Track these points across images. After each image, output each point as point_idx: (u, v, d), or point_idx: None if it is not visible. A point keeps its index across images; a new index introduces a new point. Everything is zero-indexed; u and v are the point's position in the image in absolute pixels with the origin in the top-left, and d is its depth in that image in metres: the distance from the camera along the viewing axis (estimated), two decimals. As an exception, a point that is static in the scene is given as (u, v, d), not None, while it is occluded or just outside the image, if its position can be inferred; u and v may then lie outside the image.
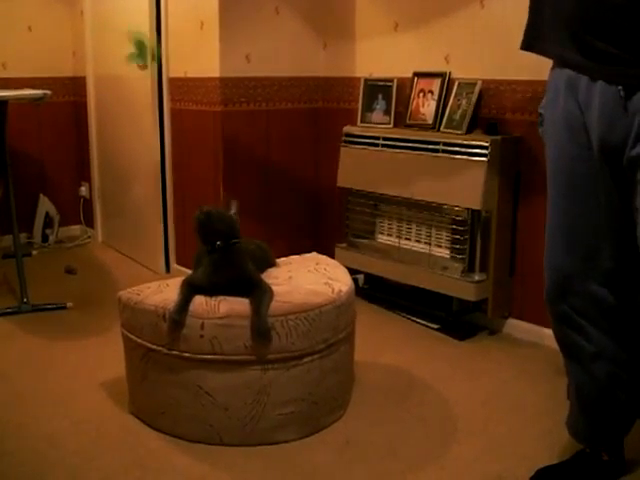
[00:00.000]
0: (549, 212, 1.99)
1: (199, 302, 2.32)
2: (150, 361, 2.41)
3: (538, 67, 1.95)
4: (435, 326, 3.44)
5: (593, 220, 1.90)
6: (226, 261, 2.37)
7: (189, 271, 2.66)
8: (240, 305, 2.30)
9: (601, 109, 1.74)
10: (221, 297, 2.34)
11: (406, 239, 3.57)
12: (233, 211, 2.43)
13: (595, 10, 1.66)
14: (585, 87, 1.77)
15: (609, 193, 1.85)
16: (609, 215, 1.87)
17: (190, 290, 2.37)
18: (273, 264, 2.70)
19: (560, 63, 1.85)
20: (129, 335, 2.48)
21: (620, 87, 1.68)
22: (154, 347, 2.37)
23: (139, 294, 2.46)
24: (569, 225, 1.94)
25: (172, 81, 4.09)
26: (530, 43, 1.90)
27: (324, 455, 2.33)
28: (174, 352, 2.33)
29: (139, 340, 2.42)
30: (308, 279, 2.56)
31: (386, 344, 3.28)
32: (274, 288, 2.39)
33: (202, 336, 2.28)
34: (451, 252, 3.34)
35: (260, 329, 2.26)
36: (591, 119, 1.78)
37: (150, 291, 2.48)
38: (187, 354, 2.31)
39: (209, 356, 2.29)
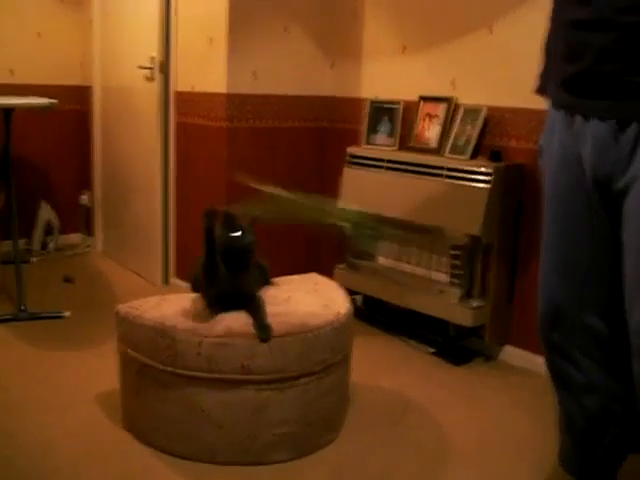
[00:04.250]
0: (544, 241, 2.01)
1: (198, 319, 2.32)
2: (145, 376, 2.41)
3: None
4: (431, 350, 3.44)
5: (587, 251, 1.91)
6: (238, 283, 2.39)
7: (188, 285, 2.65)
8: (238, 324, 2.30)
9: (593, 142, 1.77)
10: (220, 315, 2.34)
11: (406, 262, 3.57)
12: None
13: (581, 50, 1.72)
14: (579, 122, 1.81)
15: (602, 225, 1.87)
16: (603, 246, 1.89)
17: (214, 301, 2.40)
18: (269, 282, 2.70)
19: (556, 104, 1.90)
20: (125, 349, 2.47)
21: (614, 120, 1.71)
22: (150, 362, 2.36)
23: (137, 309, 2.46)
24: (563, 255, 1.96)
25: (179, 95, 4.11)
26: (539, 87, 1.96)
27: (317, 476, 2.33)
28: (170, 368, 2.32)
29: (135, 355, 2.41)
30: (307, 300, 2.56)
31: (382, 366, 3.28)
32: (272, 308, 2.40)
33: (199, 354, 2.27)
34: (450, 277, 3.34)
35: (262, 327, 2.29)
36: (585, 152, 1.81)
37: (149, 306, 2.48)
38: (183, 371, 2.30)
39: (205, 374, 2.29)
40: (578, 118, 1.81)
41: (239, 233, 2.32)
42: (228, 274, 2.33)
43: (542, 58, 1.93)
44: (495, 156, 3.21)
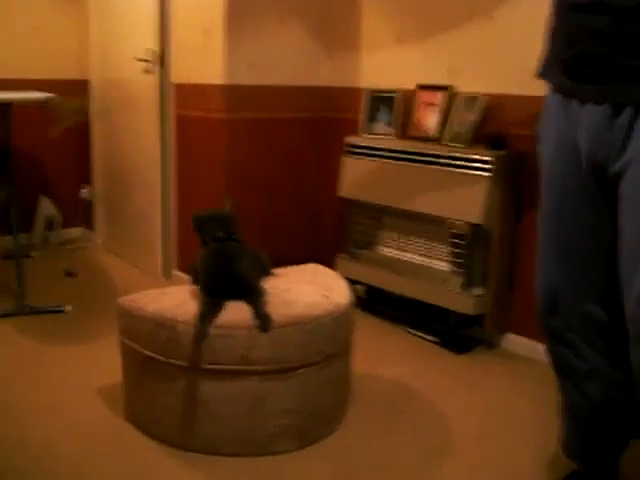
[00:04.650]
0: (541, 228, 2.00)
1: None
2: (147, 369, 2.41)
3: (543, 83, 1.97)
4: (433, 339, 3.44)
5: (585, 237, 1.91)
6: (225, 253, 2.38)
7: (189, 277, 2.64)
8: (237, 315, 2.30)
9: (588, 127, 1.77)
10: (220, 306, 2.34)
11: (407, 251, 3.57)
12: (228, 208, 2.46)
13: (578, 33, 1.73)
14: (575, 107, 1.81)
15: (600, 210, 1.86)
16: (601, 232, 1.88)
17: (208, 299, 2.36)
18: (269, 273, 2.69)
19: (555, 88, 1.90)
20: (127, 342, 2.47)
21: (607, 104, 1.71)
22: (151, 355, 2.37)
23: (138, 301, 2.46)
24: (561, 241, 1.95)
25: (176, 87, 4.09)
26: (541, 71, 1.95)
27: (319, 467, 2.33)
28: (171, 360, 2.32)
29: (136, 347, 2.42)
30: (306, 291, 2.55)
31: (384, 356, 3.28)
32: (272, 299, 2.39)
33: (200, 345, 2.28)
34: (451, 266, 3.34)
35: (262, 317, 2.29)
36: (580, 137, 1.81)
37: (149, 299, 2.48)
38: (184, 363, 2.30)
39: (206, 366, 2.29)
40: (574, 102, 1.81)
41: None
42: (216, 256, 2.37)
43: (545, 42, 1.92)
44: (495, 144, 3.20)
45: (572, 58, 1.77)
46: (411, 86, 3.60)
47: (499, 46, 3.25)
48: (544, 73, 1.95)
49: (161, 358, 2.34)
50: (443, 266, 3.39)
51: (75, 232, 5.26)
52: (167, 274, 4.34)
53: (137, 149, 4.47)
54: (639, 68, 1.63)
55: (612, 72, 1.68)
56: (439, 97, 3.47)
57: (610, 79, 1.70)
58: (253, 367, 2.29)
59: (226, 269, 2.38)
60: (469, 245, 3.24)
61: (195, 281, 2.54)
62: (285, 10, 3.87)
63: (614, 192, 1.77)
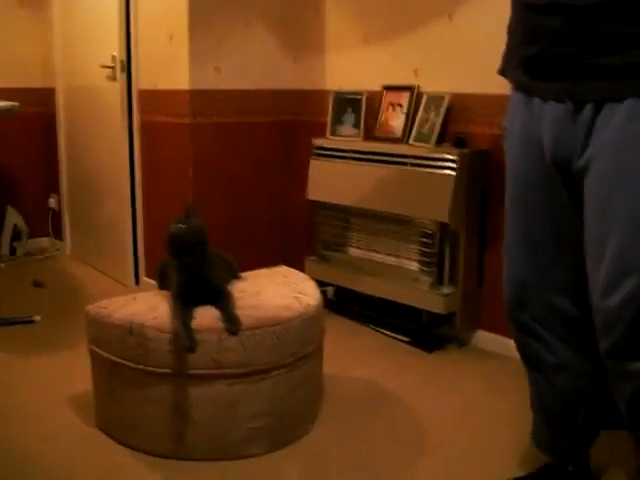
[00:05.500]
0: (507, 222, 2.03)
1: (168, 317, 2.31)
2: (117, 376, 2.39)
3: (506, 81, 1.99)
4: (405, 339, 3.45)
5: (549, 231, 1.93)
6: (195, 271, 2.37)
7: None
8: (207, 320, 2.29)
9: (551, 123, 1.80)
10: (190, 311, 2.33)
11: (376, 252, 3.58)
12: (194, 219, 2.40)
13: (537, 33, 1.76)
14: (538, 104, 1.83)
15: (565, 205, 1.89)
16: (565, 226, 1.91)
17: (182, 306, 2.34)
18: (237, 277, 2.69)
19: (516, 86, 1.93)
20: (96, 350, 2.46)
21: (569, 101, 1.73)
22: (121, 361, 2.35)
23: (107, 308, 2.45)
24: (526, 236, 1.97)
25: (142, 93, 4.08)
26: (502, 68, 1.98)
27: (293, 468, 2.33)
28: (141, 367, 2.31)
29: (106, 354, 2.40)
30: (276, 293, 2.55)
31: (355, 357, 3.29)
32: (242, 302, 2.39)
33: (170, 351, 2.27)
34: (420, 265, 3.36)
35: (230, 319, 2.28)
36: (544, 133, 1.83)
37: (118, 305, 2.47)
38: (154, 369, 2.29)
39: (177, 371, 2.28)
40: (537, 100, 1.83)
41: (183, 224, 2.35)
42: (190, 268, 2.35)
43: (507, 40, 1.94)
44: (459, 142, 3.23)
45: (531, 57, 1.80)
46: (377, 87, 3.62)
47: (461, 46, 3.28)
48: (505, 70, 1.97)
49: (131, 365, 2.33)
50: (412, 265, 3.41)
51: (43, 242, 5.22)
52: (137, 281, 4.32)
53: (104, 157, 4.44)
54: (598, 66, 1.66)
55: (571, 70, 1.71)
56: (404, 97, 3.49)
57: (570, 77, 1.72)
58: (224, 370, 2.29)
59: (200, 278, 2.37)
60: (437, 244, 3.26)
61: (162, 286, 2.54)
62: (250, 14, 3.88)
63: (578, 188, 1.80)
